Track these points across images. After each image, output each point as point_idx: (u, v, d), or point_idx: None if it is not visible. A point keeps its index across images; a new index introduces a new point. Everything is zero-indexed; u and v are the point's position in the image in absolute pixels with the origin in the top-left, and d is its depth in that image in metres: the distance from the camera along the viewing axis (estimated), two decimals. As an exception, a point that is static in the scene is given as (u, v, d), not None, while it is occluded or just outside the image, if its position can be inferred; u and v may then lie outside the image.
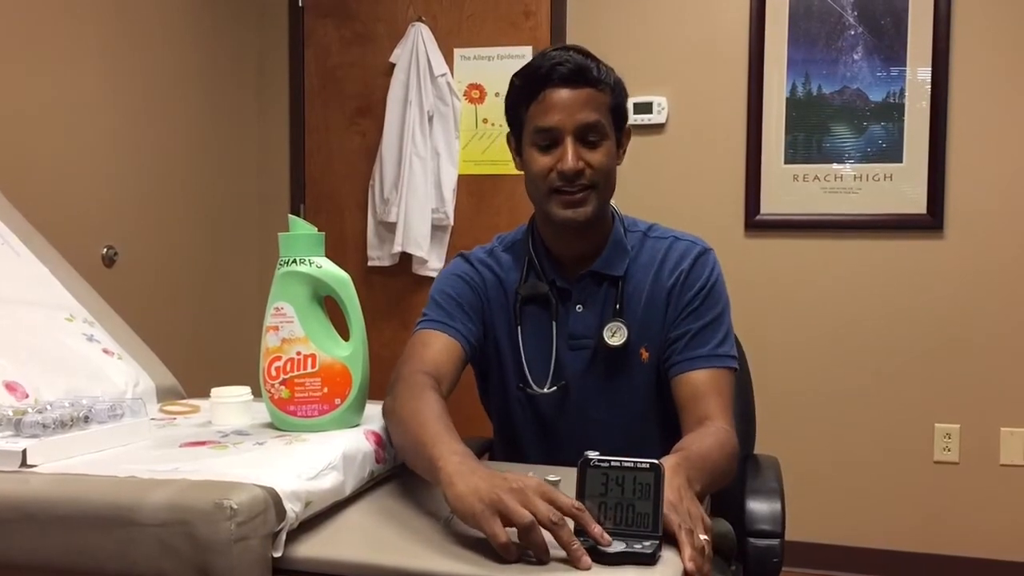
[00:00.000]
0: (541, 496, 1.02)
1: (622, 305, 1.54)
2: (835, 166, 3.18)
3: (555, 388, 1.57)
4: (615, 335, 1.52)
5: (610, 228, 1.59)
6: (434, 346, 1.50)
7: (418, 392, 1.34)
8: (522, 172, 1.57)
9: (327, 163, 3.73)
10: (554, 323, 1.56)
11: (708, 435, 1.40)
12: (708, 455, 1.32)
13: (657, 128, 3.30)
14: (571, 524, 1.02)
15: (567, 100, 1.46)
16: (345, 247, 3.66)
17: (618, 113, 1.52)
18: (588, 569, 0.98)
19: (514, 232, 1.67)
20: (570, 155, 1.45)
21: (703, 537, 1.06)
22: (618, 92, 1.52)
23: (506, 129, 1.61)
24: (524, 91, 1.50)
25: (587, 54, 1.51)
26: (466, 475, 1.07)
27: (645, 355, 1.55)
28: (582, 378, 1.57)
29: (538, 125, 1.48)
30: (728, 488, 1.67)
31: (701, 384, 1.49)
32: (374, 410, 1.44)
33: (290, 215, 1.41)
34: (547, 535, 1.01)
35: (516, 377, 1.60)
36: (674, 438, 1.41)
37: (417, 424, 1.24)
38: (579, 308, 1.57)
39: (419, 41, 3.48)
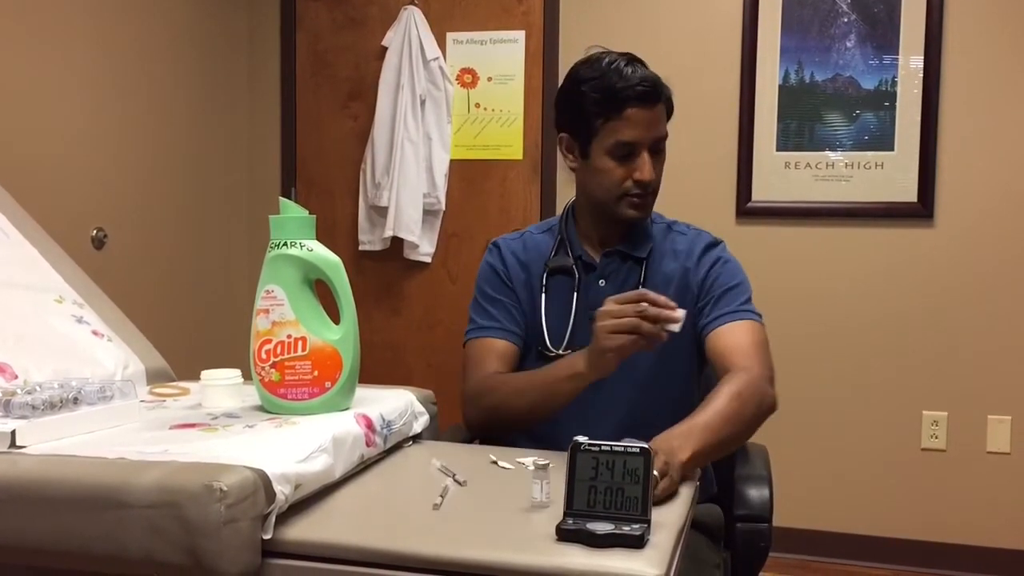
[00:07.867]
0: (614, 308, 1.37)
1: (645, 282, 1.66)
2: (827, 154, 3.18)
3: (569, 351, 1.65)
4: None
5: None
6: (488, 356, 1.68)
7: (496, 379, 1.64)
8: (574, 168, 1.70)
9: (318, 147, 3.71)
10: (575, 293, 1.68)
11: (721, 391, 1.47)
12: (709, 419, 1.40)
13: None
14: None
15: (646, 118, 1.59)
16: (336, 231, 3.65)
17: (669, 118, 1.67)
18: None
19: (551, 219, 1.83)
20: (648, 168, 1.60)
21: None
22: (671, 100, 1.66)
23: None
24: (603, 105, 1.59)
25: (645, 65, 1.63)
26: (580, 361, 1.45)
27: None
28: None
29: (619, 139, 1.60)
30: (719, 469, 1.70)
31: (727, 335, 1.61)
32: (364, 393, 1.44)
33: (281, 198, 1.41)
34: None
35: (536, 341, 1.71)
36: (680, 416, 1.43)
37: (519, 383, 1.59)
38: (601, 283, 1.69)
39: (411, 25, 3.47)
